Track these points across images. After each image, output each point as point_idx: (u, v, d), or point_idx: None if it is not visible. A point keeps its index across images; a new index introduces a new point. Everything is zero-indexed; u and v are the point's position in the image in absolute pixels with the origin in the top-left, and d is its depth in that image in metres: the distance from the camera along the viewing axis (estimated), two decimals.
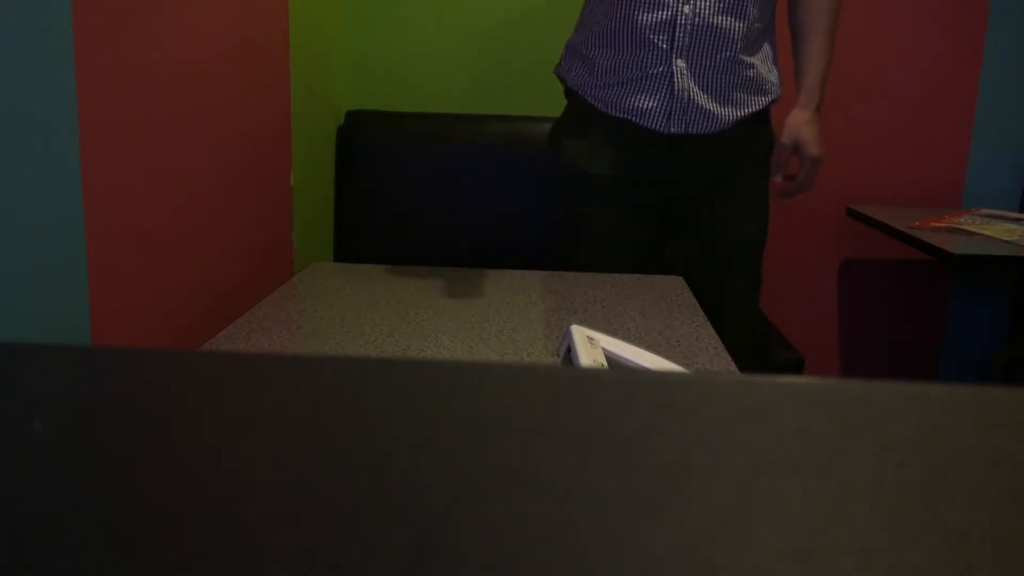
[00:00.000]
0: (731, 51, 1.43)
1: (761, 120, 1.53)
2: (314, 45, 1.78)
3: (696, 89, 1.43)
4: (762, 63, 1.49)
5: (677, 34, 1.41)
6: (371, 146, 1.96)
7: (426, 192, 1.95)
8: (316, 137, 1.82)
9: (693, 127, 1.45)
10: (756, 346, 1.75)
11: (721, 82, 1.45)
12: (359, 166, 1.96)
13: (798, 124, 1.52)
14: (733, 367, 1.06)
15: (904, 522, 0.21)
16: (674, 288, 1.42)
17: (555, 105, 2.07)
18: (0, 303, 0.77)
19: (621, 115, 1.47)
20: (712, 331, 1.19)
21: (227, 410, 0.27)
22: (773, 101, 1.52)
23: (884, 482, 0.23)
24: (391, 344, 1.11)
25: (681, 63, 1.42)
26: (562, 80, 1.58)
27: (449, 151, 1.95)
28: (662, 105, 1.44)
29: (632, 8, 1.42)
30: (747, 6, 1.42)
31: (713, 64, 1.43)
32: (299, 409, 0.27)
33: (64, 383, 0.28)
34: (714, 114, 1.45)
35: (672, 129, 1.45)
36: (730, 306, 1.57)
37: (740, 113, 1.47)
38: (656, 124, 1.45)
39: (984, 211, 2.09)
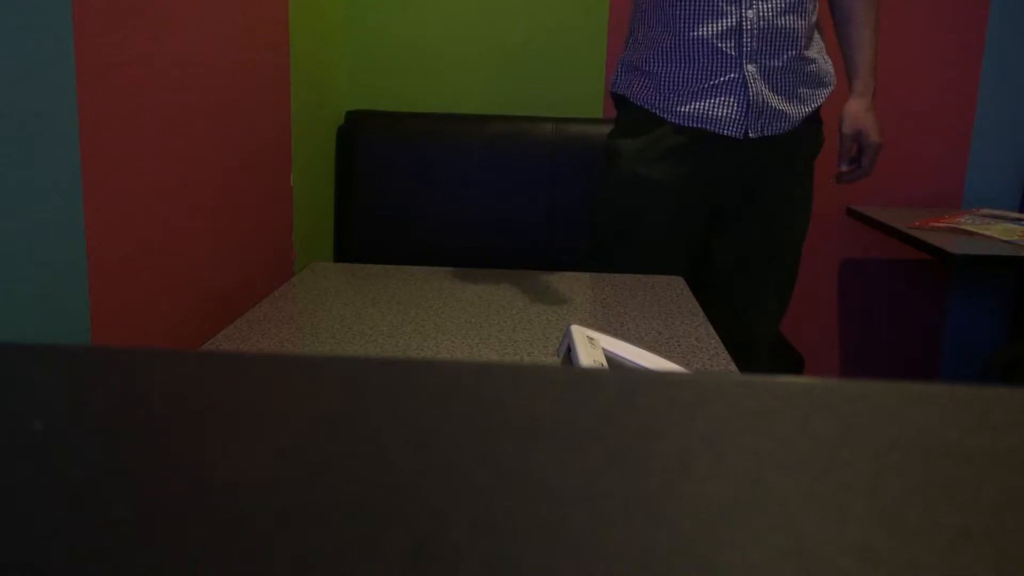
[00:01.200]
0: (796, 49, 1.45)
1: (815, 119, 1.54)
2: (314, 45, 1.78)
3: (768, 91, 1.44)
4: (819, 55, 1.51)
5: (744, 39, 1.42)
6: (371, 146, 1.96)
7: (426, 192, 1.95)
8: (316, 137, 1.82)
9: (768, 129, 1.46)
10: (773, 344, 1.76)
11: (789, 80, 1.46)
12: (359, 166, 1.96)
13: (859, 113, 1.54)
14: (733, 367, 1.06)
15: (904, 522, 0.21)
16: (674, 288, 1.42)
17: (556, 105, 2.08)
18: (0, 303, 0.77)
19: (696, 125, 1.47)
20: (712, 331, 1.19)
21: (227, 410, 0.27)
22: (831, 92, 1.54)
23: (884, 482, 0.23)
24: (391, 344, 1.11)
25: (751, 67, 1.43)
26: (621, 97, 1.58)
27: (449, 151, 1.95)
28: (739, 111, 1.45)
29: (694, 21, 1.42)
30: (806, 2, 1.43)
31: (780, 64, 1.44)
32: (299, 409, 0.27)
33: (64, 383, 0.28)
34: (787, 113, 1.47)
35: (750, 134, 1.46)
36: (766, 302, 1.59)
37: (808, 109, 1.49)
38: (734, 131, 1.45)
39: (984, 211, 2.09)
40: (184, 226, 1.14)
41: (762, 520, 0.21)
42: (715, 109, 1.45)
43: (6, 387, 0.28)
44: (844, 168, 1.56)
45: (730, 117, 1.45)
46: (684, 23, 1.43)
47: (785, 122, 1.47)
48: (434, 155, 1.95)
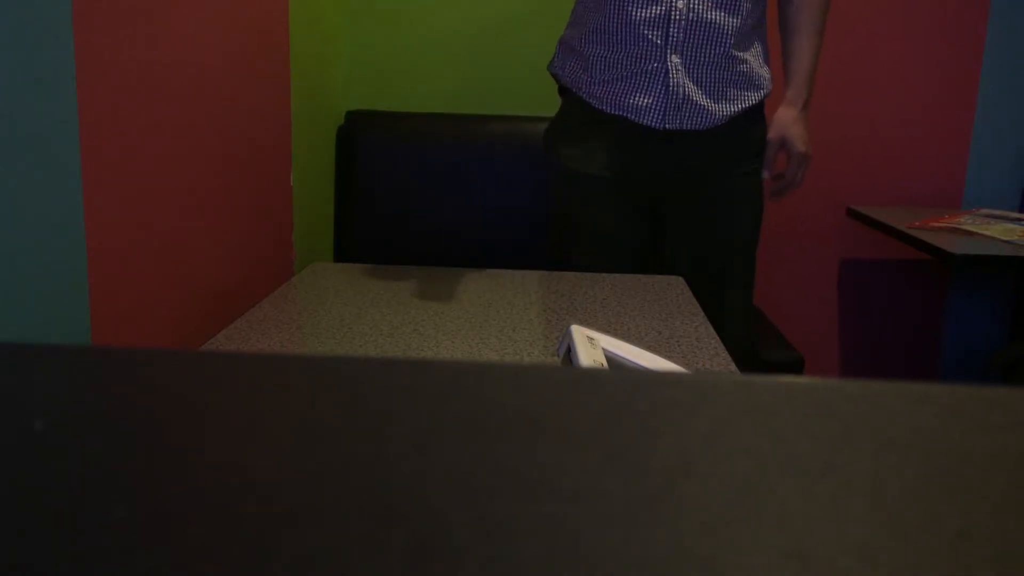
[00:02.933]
0: (724, 46, 1.43)
1: (755, 118, 1.53)
2: (314, 45, 1.78)
3: (690, 85, 1.43)
4: (754, 58, 1.49)
5: (672, 29, 1.41)
6: (371, 146, 1.96)
7: (426, 192, 1.95)
8: (316, 137, 1.82)
9: (688, 123, 1.45)
10: (750, 346, 1.75)
11: (714, 77, 1.45)
12: (359, 166, 1.96)
13: (785, 121, 1.53)
14: (733, 367, 1.06)
15: (904, 522, 0.21)
16: (674, 288, 1.42)
17: (555, 105, 2.07)
18: (0, 303, 0.77)
19: (616, 112, 1.47)
20: (712, 331, 1.19)
21: (227, 410, 0.27)
22: (766, 96, 1.53)
23: (884, 482, 0.23)
24: (391, 344, 1.11)
25: (676, 59, 1.42)
26: (556, 77, 1.58)
27: (449, 151, 1.96)
28: (657, 101, 1.44)
29: (626, 3, 1.42)
30: (740, 1, 1.42)
31: (707, 60, 1.43)
32: (299, 409, 0.27)
33: (64, 383, 0.28)
34: (708, 110, 1.45)
35: (667, 125, 1.45)
36: (724, 305, 1.57)
37: (734, 108, 1.47)
38: (651, 120, 1.45)
39: (984, 211, 2.10)
40: (184, 226, 1.14)
41: (762, 520, 0.21)
42: (635, 97, 1.44)
43: (6, 387, 0.28)
44: (766, 176, 1.55)
45: (649, 106, 1.44)
46: (615, 5, 1.43)
47: (707, 118, 1.45)
48: (434, 155, 1.95)
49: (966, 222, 1.97)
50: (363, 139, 1.97)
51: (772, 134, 1.53)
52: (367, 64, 2.10)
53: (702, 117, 1.45)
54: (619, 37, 1.44)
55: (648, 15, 1.41)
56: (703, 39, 1.42)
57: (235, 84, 1.31)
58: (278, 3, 1.51)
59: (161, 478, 0.22)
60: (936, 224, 1.95)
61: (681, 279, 1.48)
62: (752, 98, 1.50)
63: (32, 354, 0.30)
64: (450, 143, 1.96)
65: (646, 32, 1.42)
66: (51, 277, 0.84)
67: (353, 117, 2.01)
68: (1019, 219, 2.01)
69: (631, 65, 1.44)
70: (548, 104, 2.07)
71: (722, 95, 1.46)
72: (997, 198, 2.20)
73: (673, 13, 1.40)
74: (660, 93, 1.43)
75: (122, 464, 0.23)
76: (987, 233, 1.88)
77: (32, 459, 0.23)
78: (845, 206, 2.20)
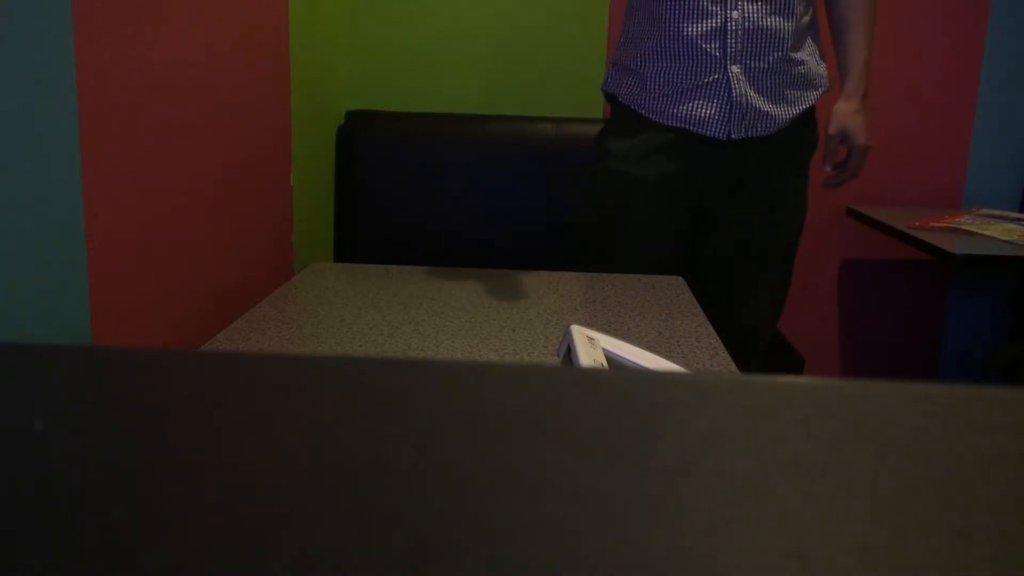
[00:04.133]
0: (782, 51, 1.44)
1: (806, 120, 1.53)
2: (314, 45, 1.78)
3: (752, 93, 1.44)
4: (810, 57, 1.50)
5: (729, 40, 1.41)
6: (371, 146, 1.96)
7: (426, 192, 1.95)
8: (316, 137, 1.82)
9: (752, 130, 1.46)
10: (773, 344, 1.75)
11: (774, 82, 1.45)
12: (359, 166, 1.96)
13: (846, 114, 1.53)
14: (733, 367, 1.06)
15: (904, 522, 0.21)
16: (674, 288, 1.42)
17: (555, 105, 2.08)
18: (0, 303, 0.77)
19: (677, 124, 1.47)
20: (712, 331, 1.19)
21: (227, 410, 0.27)
22: (825, 93, 1.53)
23: (884, 482, 0.23)
24: (391, 344, 1.11)
25: (736, 68, 1.42)
26: (611, 96, 1.59)
27: (449, 151, 1.95)
28: (721, 112, 1.44)
29: (680, 20, 1.42)
30: (793, 4, 1.43)
31: (765, 66, 1.43)
32: (299, 409, 0.27)
33: (64, 383, 0.28)
34: (771, 115, 1.46)
35: (733, 135, 1.45)
36: (758, 304, 1.58)
37: (795, 110, 1.48)
38: (716, 131, 1.45)
39: (984, 211, 2.09)
40: (184, 226, 1.14)
41: (762, 520, 0.21)
42: (698, 110, 1.44)
43: (6, 387, 0.28)
44: (828, 169, 1.55)
45: (713, 118, 1.44)
46: (669, 22, 1.43)
47: (771, 123, 1.46)
48: (434, 155, 1.95)
49: (966, 222, 1.97)
50: (363, 139, 1.97)
51: (832, 128, 1.53)
52: (367, 64, 2.10)
53: (766, 123, 1.46)
54: (676, 53, 1.44)
55: (704, 29, 1.41)
56: (761, 46, 1.42)
57: (235, 84, 1.31)
58: (278, 3, 1.51)
59: (161, 478, 0.22)
60: (936, 224, 1.95)
61: (681, 279, 1.48)
62: (811, 97, 1.51)
63: (32, 354, 0.30)
64: (450, 143, 1.96)
65: (703, 45, 1.42)
66: (51, 277, 0.84)
67: (353, 117, 2.01)
68: (1019, 219, 2.01)
69: (690, 78, 1.44)
70: (549, 104, 2.07)
71: (783, 98, 1.47)
72: (997, 198, 2.20)
73: (729, 24, 1.40)
74: (723, 104, 1.44)
75: (122, 464, 0.23)
76: (987, 233, 1.88)
77: (32, 459, 0.23)
78: (845, 206, 2.20)
